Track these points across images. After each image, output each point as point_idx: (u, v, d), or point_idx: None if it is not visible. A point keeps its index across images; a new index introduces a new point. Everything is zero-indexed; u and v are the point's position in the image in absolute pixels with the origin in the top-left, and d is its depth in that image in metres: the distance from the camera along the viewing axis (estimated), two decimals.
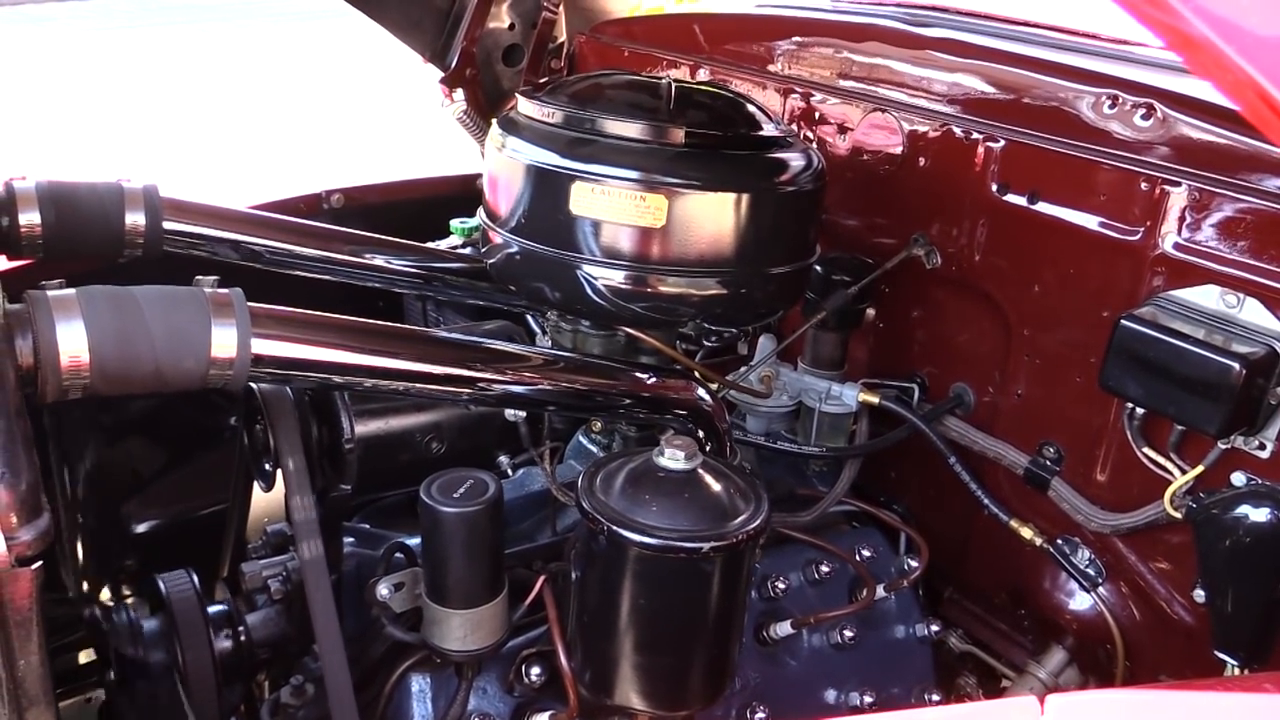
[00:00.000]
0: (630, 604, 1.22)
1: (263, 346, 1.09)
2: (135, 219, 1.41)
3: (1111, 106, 1.50)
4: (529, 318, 1.94)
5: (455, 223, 2.25)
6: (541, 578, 1.37)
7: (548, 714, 1.37)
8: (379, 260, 1.71)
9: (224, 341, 1.05)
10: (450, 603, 1.27)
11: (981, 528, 1.80)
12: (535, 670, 1.38)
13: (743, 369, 1.84)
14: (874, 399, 1.77)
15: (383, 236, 1.71)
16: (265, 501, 1.96)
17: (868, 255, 1.83)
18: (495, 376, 1.31)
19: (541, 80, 2.51)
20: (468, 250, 2.20)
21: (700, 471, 1.24)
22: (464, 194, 2.53)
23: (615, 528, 1.18)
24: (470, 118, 2.36)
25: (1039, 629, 1.80)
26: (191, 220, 1.47)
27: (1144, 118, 1.47)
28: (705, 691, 1.29)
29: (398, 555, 1.41)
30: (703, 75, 2.18)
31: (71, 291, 1.01)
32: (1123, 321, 1.41)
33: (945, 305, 1.81)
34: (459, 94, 2.34)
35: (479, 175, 2.55)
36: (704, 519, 1.20)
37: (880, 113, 1.81)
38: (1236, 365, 1.30)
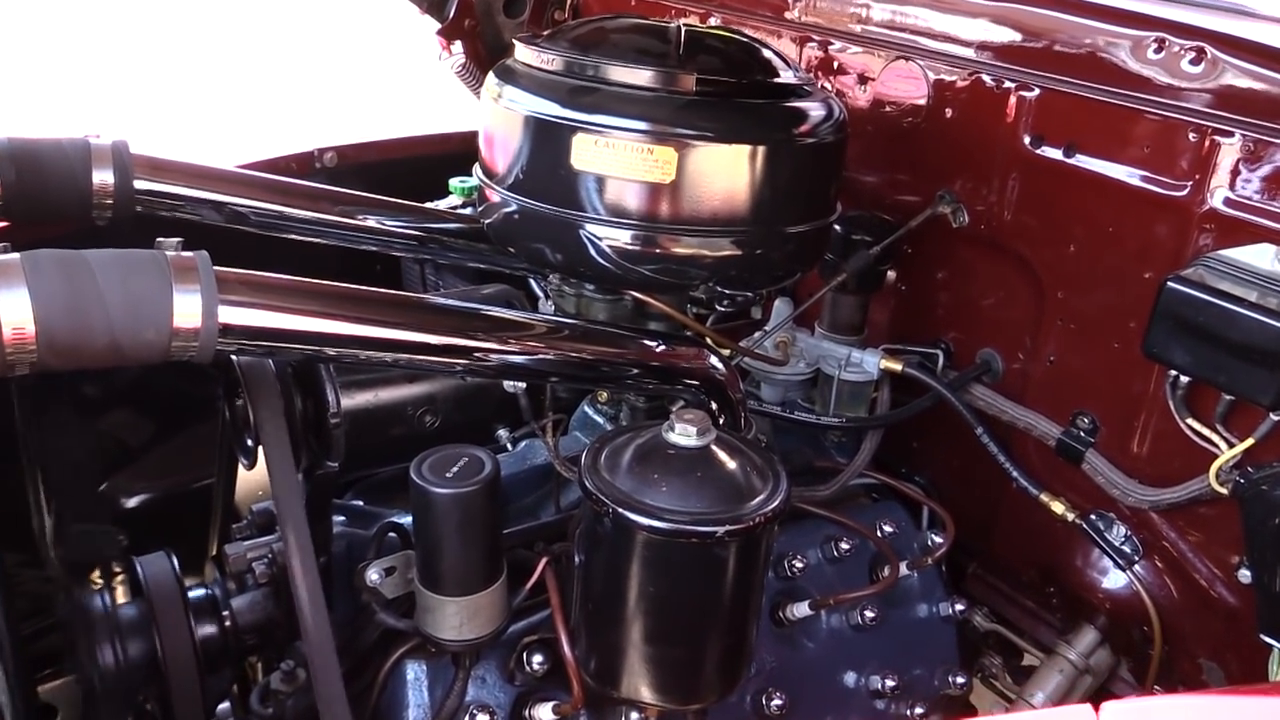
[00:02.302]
0: (638, 591, 1.13)
1: (231, 315, 0.99)
2: (104, 177, 1.31)
3: (1157, 51, 1.38)
4: (530, 281, 1.84)
5: (455, 182, 2.14)
6: (543, 560, 1.29)
7: (551, 705, 1.28)
8: (373, 221, 1.61)
9: (187, 310, 0.95)
10: (444, 589, 1.18)
11: (1009, 501, 1.71)
12: (538, 658, 1.29)
13: (757, 335, 1.75)
14: (897, 366, 1.67)
15: (377, 196, 1.60)
16: (257, 476, 1.88)
17: (889, 213, 1.72)
18: (493, 345, 1.21)
19: (547, 33, 2.39)
20: (468, 210, 2.10)
21: (714, 448, 1.14)
22: (464, 151, 2.40)
23: (621, 510, 1.08)
24: (469, 71, 2.24)
25: (1068, 607, 1.71)
26: (168, 179, 1.37)
27: (1193, 62, 1.35)
28: (720, 683, 1.20)
29: (390, 536, 1.33)
30: (714, 23, 2.06)
31: (15, 256, 0.91)
32: (1169, 284, 1.30)
33: (973, 266, 1.70)
34: (457, 46, 2.22)
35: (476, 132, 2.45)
36: (718, 500, 1.10)
37: (903, 61, 1.69)
38: None
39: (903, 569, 1.57)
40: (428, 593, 1.19)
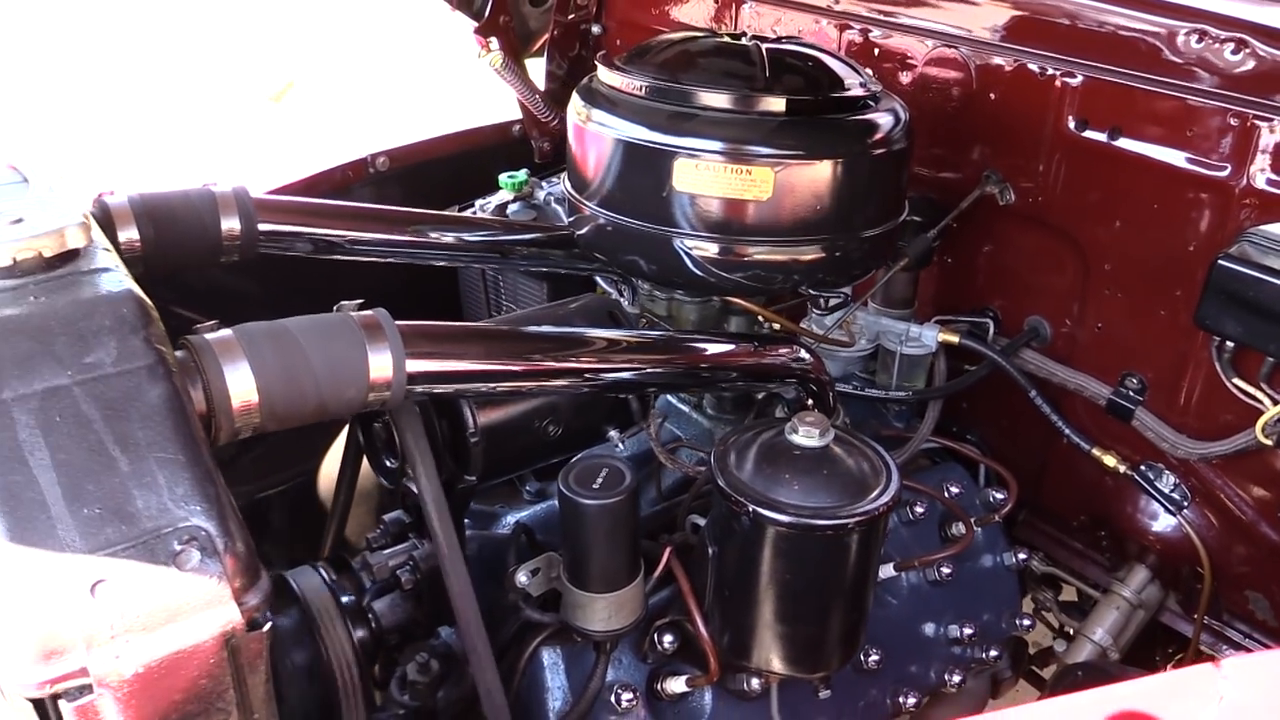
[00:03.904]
0: (772, 577, 1.26)
1: (414, 364, 1.09)
2: (231, 224, 1.39)
3: (1199, 40, 1.49)
4: (598, 279, 1.93)
5: (504, 177, 2.22)
6: (668, 550, 1.41)
7: (684, 678, 1.42)
8: (450, 238, 1.69)
9: (381, 365, 1.05)
10: (593, 588, 1.30)
11: (1059, 455, 1.85)
12: (668, 638, 1.42)
13: (815, 314, 1.85)
14: (954, 338, 1.80)
15: (456, 214, 1.71)
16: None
17: (936, 192, 1.83)
18: (619, 365, 1.33)
19: (572, 18, 2.45)
20: (511, 208, 2.19)
21: (833, 446, 1.26)
22: (503, 142, 2.50)
23: (760, 509, 1.21)
24: (508, 67, 2.30)
25: (1117, 549, 1.86)
26: (280, 219, 1.45)
27: (1234, 52, 1.46)
28: (842, 653, 1.34)
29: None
30: (746, 11, 2.13)
31: (229, 333, 1.01)
32: (1219, 262, 1.42)
33: (1019, 240, 1.81)
34: (494, 42, 2.28)
35: (515, 122, 2.52)
36: (843, 494, 1.23)
37: (946, 48, 1.79)
38: None
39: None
40: (577, 591, 1.31)
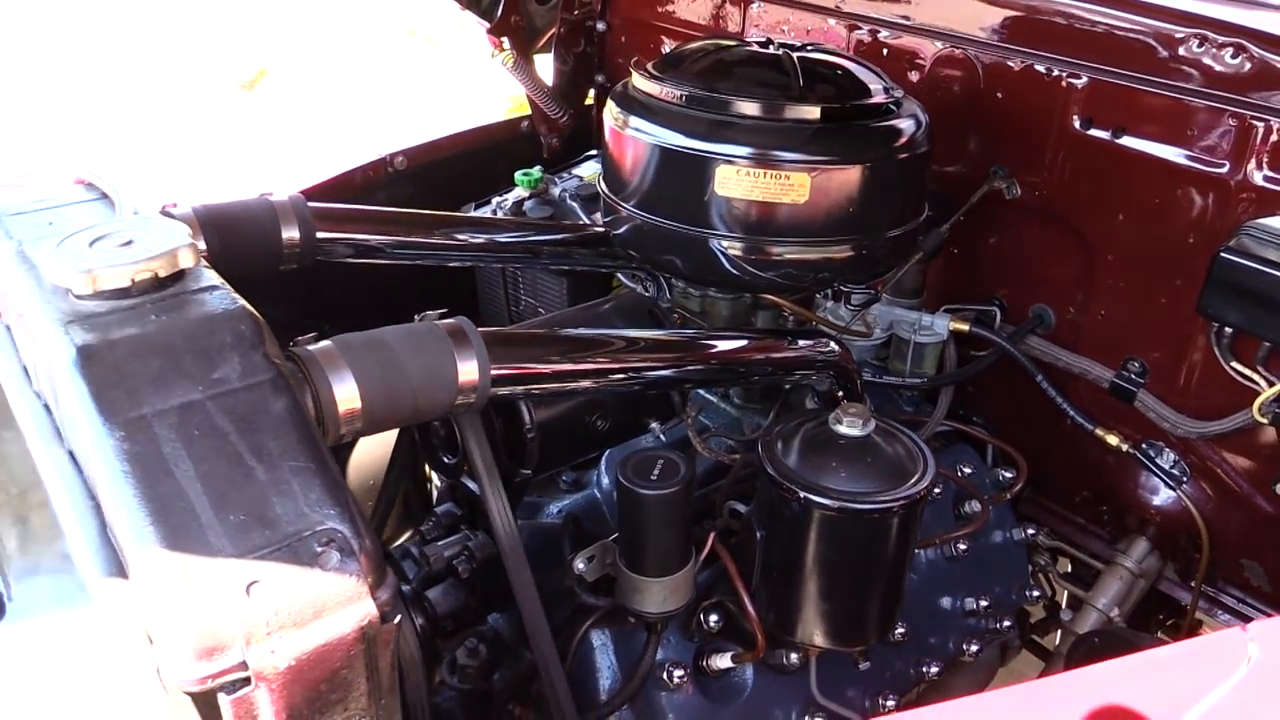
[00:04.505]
0: (819, 558, 1.34)
1: (494, 369, 1.16)
2: (291, 232, 1.44)
3: (1199, 45, 1.58)
4: (620, 275, 2.00)
5: (519, 175, 2.28)
6: (712, 535, 1.49)
7: (729, 654, 1.50)
8: (485, 239, 1.75)
9: (468, 371, 1.12)
10: (649, 572, 1.38)
11: (1062, 435, 1.95)
12: (714, 617, 1.50)
13: (829, 305, 1.93)
14: (964, 326, 1.89)
15: (495, 218, 1.77)
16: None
17: (943, 187, 1.91)
18: (671, 362, 1.40)
19: (577, 15, 2.50)
20: (527, 204, 2.25)
21: (874, 436, 1.35)
22: (512, 137, 2.56)
23: (809, 495, 1.29)
24: (519, 66, 2.36)
25: (1117, 522, 1.97)
26: (334, 227, 1.50)
27: (1233, 55, 1.55)
28: (881, 627, 1.43)
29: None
30: (753, 12, 2.20)
31: (329, 344, 1.07)
32: (1221, 255, 1.52)
33: (1024, 232, 1.91)
34: (506, 41, 2.33)
35: (523, 119, 2.58)
36: (885, 480, 1.32)
37: (954, 49, 1.87)
38: None
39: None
40: (634, 575, 1.39)
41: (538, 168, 2.31)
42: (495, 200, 2.27)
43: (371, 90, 7.33)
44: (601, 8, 2.52)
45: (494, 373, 1.15)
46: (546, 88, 2.47)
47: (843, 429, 1.34)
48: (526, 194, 2.27)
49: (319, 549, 0.87)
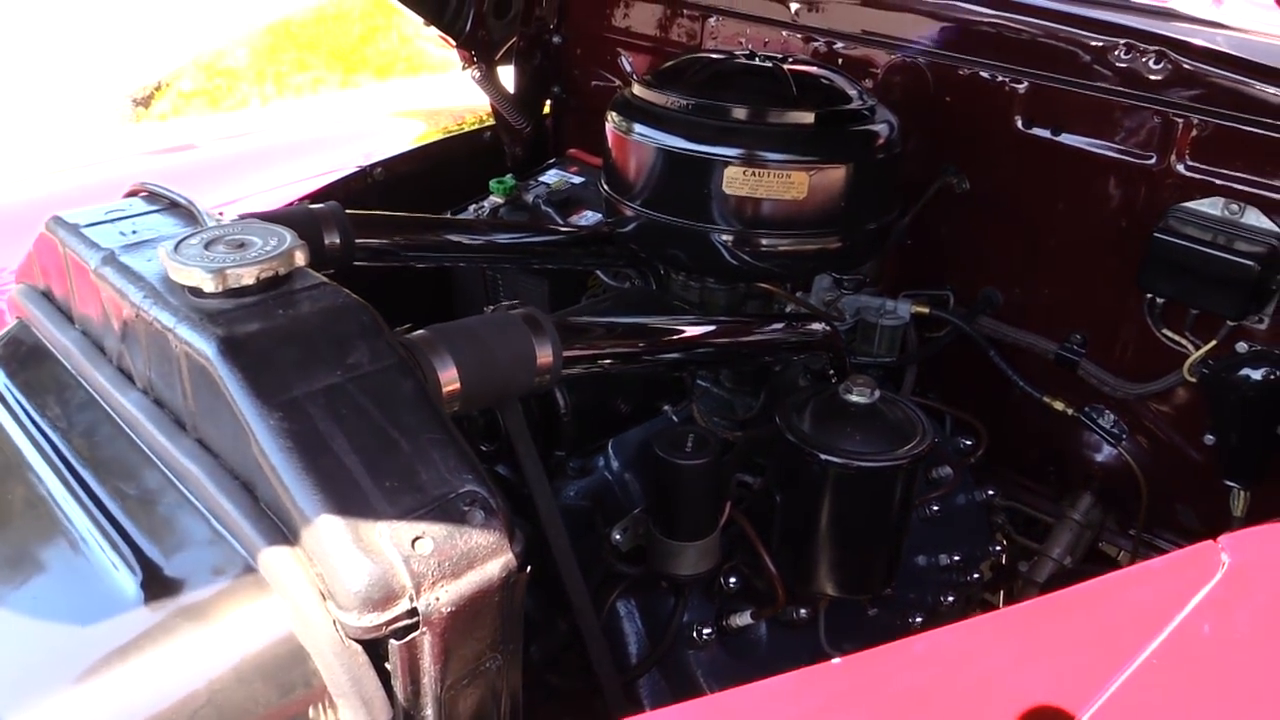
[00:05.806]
0: (835, 513, 1.50)
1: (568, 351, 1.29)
2: (332, 239, 1.53)
3: (1127, 53, 1.80)
4: (599, 273, 2.13)
5: (494, 183, 2.39)
6: (728, 504, 1.63)
7: (747, 612, 1.65)
8: (483, 240, 1.86)
9: (545, 354, 1.24)
10: (683, 537, 1.52)
11: (1011, 404, 2.16)
12: (733, 579, 1.64)
13: (799, 294, 2.10)
14: (925, 310, 2.08)
15: (501, 220, 1.87)
16: None
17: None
18: (695, 346, 1.54)
19: (534, 30, 2.62)
20: (502, 211, 2.36)
21: (879, 404, 1.51)
22: (478, 148, 2.66)
23: (826, 455, 1.45)
24: (487, 78, 2.47)
25: (1062, 480, 2.19)
26: (368, 233, 1.60)
27: (1156, 61, 1.78)
28: (885, 577, 1.60)
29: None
30: (711, 25, 2.36)
31: (426, 332, 1.18)
32: (1156, 235, 1.75)
33: (973, 223, 2.11)
34: (475, 56, 2.43)
35: (485, 129, 2.68)
36: (892, 441, 1.48)
37: (904, 59, 2.06)
38: (1254, 264, 1.67)
39: (949, 470, 2.00)
40: (670, 541, 1.52)
41: (509, 175, 2.43)
42: (472, 207, 2.38)
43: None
44: (557, 22, 2.65)
45: (568, 355, 1.28)
46: (512, 99, 2.58)
47: (853, 398, 1.50)
48: (502, 201, 2.38)
49: (465, 508, 0.98)
